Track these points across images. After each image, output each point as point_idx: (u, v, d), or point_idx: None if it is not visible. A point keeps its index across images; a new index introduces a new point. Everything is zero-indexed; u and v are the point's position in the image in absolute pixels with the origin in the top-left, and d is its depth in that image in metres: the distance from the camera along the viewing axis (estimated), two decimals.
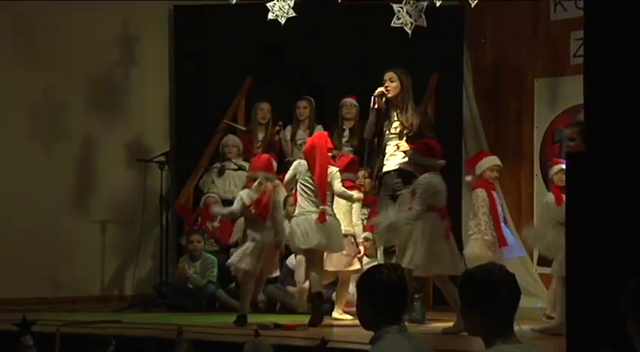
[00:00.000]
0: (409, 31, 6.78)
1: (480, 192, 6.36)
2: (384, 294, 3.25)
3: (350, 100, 8.08)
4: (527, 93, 8.11)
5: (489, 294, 2.97)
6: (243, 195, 6.53)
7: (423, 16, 6.76)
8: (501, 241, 6.26)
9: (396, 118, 6.55)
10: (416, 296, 6.31)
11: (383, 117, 6.58)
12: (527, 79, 8.12)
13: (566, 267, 3.65)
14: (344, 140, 8.00)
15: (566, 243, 3.67)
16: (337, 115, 8.08)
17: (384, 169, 6.55)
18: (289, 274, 7.28)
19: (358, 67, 8.16)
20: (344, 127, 8.11)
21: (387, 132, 6.56)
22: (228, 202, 8.04)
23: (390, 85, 6.54)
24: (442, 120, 7.69)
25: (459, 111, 8.26)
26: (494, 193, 6.44)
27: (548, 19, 8.03)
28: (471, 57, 8.37)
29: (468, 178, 6.67)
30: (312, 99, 8.32)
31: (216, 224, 7.93)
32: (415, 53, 7.56)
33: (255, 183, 6.46)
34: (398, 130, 6.52)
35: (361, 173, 7.11)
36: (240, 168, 7.91)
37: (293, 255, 7.16)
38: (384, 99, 6.56)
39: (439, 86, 8.08)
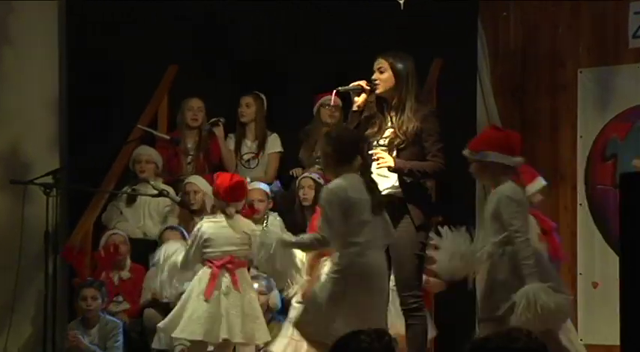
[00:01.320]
0: (401, 2, 6.77)
1: None
2: None
3: (332, 98, 8.05)
4: (568, 88, 8.18)
5: None
6: None
7: None
8: None
9: (390, 124, 6.34)
10: None
11: (366, 121, 6.38)
12: (567, 68, 8.21)
13: (620, 303, 3.71)
14: (315, 154, 7.94)
15: (620, 281, 3.71)
16: (304, 118, 8.08)
17: None
18: None
19: (334, 51, 8.20)
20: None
21: (375, 142, 6.33)
22: (141, 242, 7.98)
23: (379, 78, 6.34)
24: (447, 123, 7.65)
25: (471, 112, 8.29)
26: None
27: None
28: (489, 38, 8.43)
29: None
30: (263, 96, 8.28)
31: (125, 274, 7.87)
32: (411, 33, 7.59)
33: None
34: (387, 141, 6.31)
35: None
36: (161, 193, 7.81)
37: None
38: (362, 96, 6.37)
39: (443, 77, 8.14)
